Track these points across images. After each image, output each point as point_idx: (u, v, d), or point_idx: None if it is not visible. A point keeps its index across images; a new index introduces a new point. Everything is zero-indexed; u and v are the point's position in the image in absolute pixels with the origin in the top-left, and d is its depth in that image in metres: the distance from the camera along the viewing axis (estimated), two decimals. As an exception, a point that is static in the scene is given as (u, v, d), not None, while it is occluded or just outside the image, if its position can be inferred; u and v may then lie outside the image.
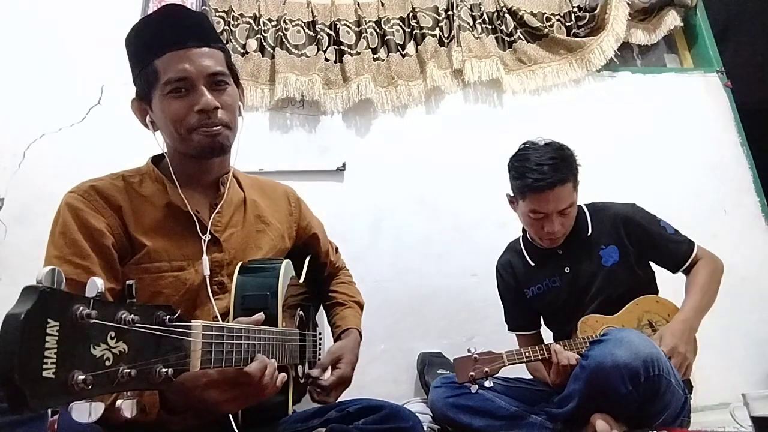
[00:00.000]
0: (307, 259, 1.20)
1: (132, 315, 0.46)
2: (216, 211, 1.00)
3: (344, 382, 1.07)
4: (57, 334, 0.38)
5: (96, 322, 0.42)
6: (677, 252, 1.43)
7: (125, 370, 0.44)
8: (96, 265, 0.86)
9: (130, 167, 1.04)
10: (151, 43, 0.94)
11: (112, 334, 0.44)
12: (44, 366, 0.37)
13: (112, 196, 0.93)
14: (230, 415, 0.81)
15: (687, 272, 1.43)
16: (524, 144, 1.44)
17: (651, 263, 1.48)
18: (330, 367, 1.07)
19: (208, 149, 0.95)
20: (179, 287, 0.93)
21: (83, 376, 0.40)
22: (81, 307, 0.41)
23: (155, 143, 1.01)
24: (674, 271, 1.45)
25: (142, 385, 0.48)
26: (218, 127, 0.94)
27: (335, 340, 1.18)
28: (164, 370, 0.50)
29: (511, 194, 1.46)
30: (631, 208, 1.48)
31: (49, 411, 0.40)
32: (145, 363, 0.48)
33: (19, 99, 2.02)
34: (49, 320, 0.38)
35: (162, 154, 1.03)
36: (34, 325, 0.37)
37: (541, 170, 1.32)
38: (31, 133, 1.99)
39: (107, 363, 0.43)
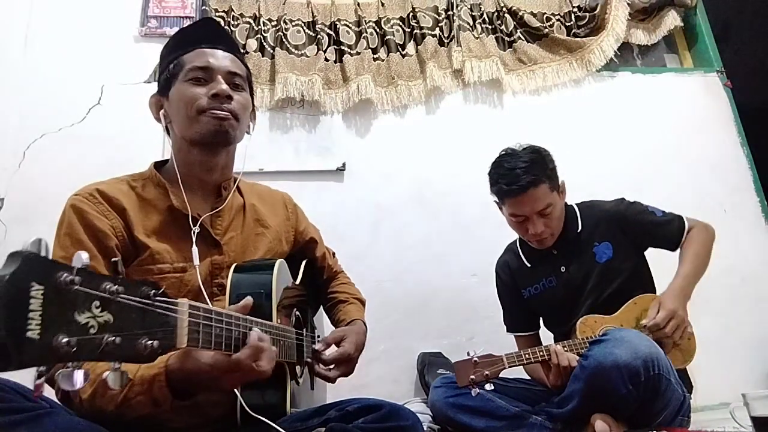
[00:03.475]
0: (304, 262, 1.21)
1: (117, 286, 0.46)
2: (217, 215, 1.02)
3: (348, 360, 1.06)
4: (41, 297, 0.39)
5: (80, 290, 0.43)
6: (671, 232, 1.46)
7: (110, 338, 0.45)
8: (101, 265, 0.88)
9: (130, 167, 1.05)
10: (184, 42, 1.02)
11: (97, 303, 0.45)
12: (28, 327, 0.38)
13: (115, 198, 0.94)
14: (238, 393, 0.82)
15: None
16: (503, 151, 1.47)
17: (650, 249, 1.50)
18: (334, 345, 1.08)
19: (213, 133, 0.97)
20: (181, 288, 0.94)
21: (67, 339, 0.40)
22: (65, 274, 0.41)
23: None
24: (673, 250, 1.47)
25: (127, 355, 0.48)
26: (227, 113, 0.98)
27: None
28: (150, 342, 0.50)
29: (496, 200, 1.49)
30: (622, 204, 1.50)
31: (36, 374, 0.41)
32: (131, 334, 0.48)
33: (19, 99, 2.03)
34: (33, 284, 0.39)
35: (165, 160, 1.05)
36: (19, 287, 0.38)
37: (512, 174, 1.36)
38: (31, 133, 1.99)
39: (92, 330, 0.44)
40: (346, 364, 1.06)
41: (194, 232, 0.96)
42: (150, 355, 0.50)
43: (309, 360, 1.03)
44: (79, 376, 0.44)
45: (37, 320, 0.39)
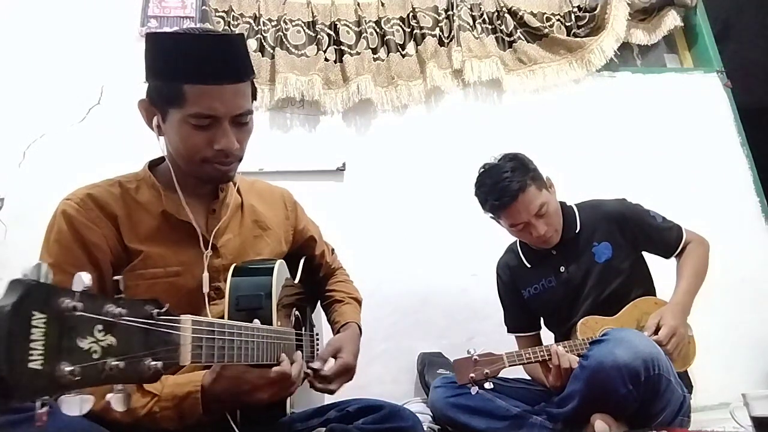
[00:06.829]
0: (302, 260, 1.20)
1: (119, 308, 0.46)
2: (214, 216, 1.01)
3: (347, 371, 1.06)
4: (44, 326, 0.39)
5: (83, 315, 0.42)
6: (669, 239, 1.47)
7: (113, 363, 0.44)
8: (92, 275, 0.86)
9: (129, 168, 1.03)
10: (187, 67, 0.88)
11: (100, 327, 0.44)
12: (30, 357, 0.37)
13: (107, 204, 0.93)
14: (228, 415, 0.81)
15: (678, 256, 1.48)
16: (481, 168, 1.48)
17: (645, 253, 1.51)
18: (331, 358, 1.07)
19: (215, 179, 0.98)
20: (175, 293, 0.92)
21: (70, 368, 0.40)
22: (67, 300, 0.41)
23: (155, 143, 1.00)
24: (668, 257, 1.49)
25: (131, 378, 0.48)
26: (231, 165, 0.96)
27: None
28: (154, 363, 0.50)
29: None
30: (623, 205, 1.51)
31: (38, 403, 0.41)
32: (134, 356, 0.48)
33: (19, 99, 2.02)
34: (34, 312, 0.38)
35: (160, 158, 1.02)
36: (20, 317, 0.37)
37: (497, 188, 1.37)
38: (31, 133, 1.99)
39: (95, 356, 0.43)
40: (347, 375, 1.06)
41: (206, 256, 0.95)
42: (154, 376, 0.50)
43: (309, 375, 1.03)
44: (83, 403, 0.43)
45: (39, 350, 0.38)
